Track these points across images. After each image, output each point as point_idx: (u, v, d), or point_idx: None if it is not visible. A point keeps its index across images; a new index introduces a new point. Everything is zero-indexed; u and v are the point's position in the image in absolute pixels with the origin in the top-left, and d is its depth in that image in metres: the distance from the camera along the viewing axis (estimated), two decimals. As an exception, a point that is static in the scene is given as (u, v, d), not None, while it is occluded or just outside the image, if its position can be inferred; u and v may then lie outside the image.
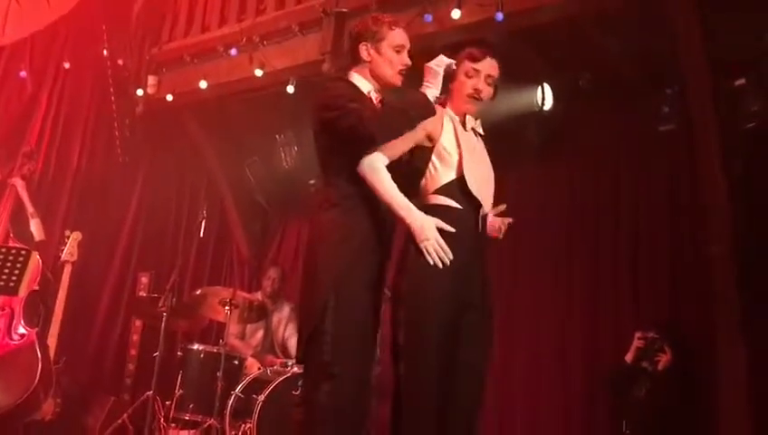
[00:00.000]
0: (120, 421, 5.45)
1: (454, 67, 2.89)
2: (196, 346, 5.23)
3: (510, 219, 2.99)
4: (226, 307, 5.08)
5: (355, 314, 2.70)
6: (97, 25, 6.40)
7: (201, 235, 5.48)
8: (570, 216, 5.32)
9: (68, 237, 5.37)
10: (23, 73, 6.21)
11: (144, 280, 6.54)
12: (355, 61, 2.94)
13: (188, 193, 7.09)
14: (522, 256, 5.28)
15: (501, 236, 2.99)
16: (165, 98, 6.15)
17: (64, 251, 5.31)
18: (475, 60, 2.91)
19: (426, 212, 2.74)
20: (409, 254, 2.72)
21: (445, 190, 2.81)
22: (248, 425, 4.63)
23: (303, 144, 6.18)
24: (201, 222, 5.37)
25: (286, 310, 5.89)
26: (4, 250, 4.03)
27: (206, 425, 4.87)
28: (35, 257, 4.85)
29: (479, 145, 2.97)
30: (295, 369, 4.77)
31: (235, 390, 4.86)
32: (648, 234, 4.97)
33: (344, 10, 5.04)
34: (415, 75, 2.93)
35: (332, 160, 2.84)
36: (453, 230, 2.70)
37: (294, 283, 5.95)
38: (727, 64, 4.16)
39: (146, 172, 6.77)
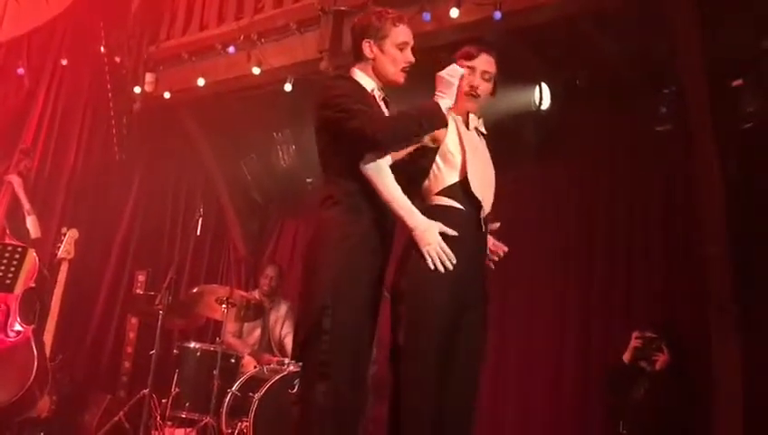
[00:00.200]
0: (116, 419, 5.43)
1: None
2: (192, 344, 5.23)
3: (497, 224, 2.99)
4: (223, 305, 5.08)
5: (354, 315, 2.69)
6: (95, 23, 6.40)
7: (198, 233, 5.49)
8: (565, 215, 5.32)
9: (64, 235, 5.35)
10: (20, 70, 6.21)
11: (141, 278, 6.53)
12: (358, 57, 2.89)
13: (185, 191, 7.08)
14: (517, 255, 5.26)
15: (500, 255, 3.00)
16: (162, 95, 6.14)
17: (61, 248, 5.29)
18: (469, 57, 2.92)
19: (428, 213, 2.75)
20: (411, 255, 2.71)
21: (448, 192, 2.81)
22: (245, 423, 4.63)
23: (301, 142, 6.17)
24: (198, 220, 5.37)
25: (283, 308, 5.89)
26: (0, 247, 4.03)
27: (202, 423, 4.86)
28: (32, 255, 4.85)
29: (481, 144, 2.97)
30: (292, 367, 4.77)
31: (231, 388, 4.87)
32: (644, 233, 4.97)
33: (342, 8, 5.03)
34: (415, 73, 2.90)
35: (335, 159, 2.81)
36: (455, 234, 2.70)
37: (292, 281, 5.96)
38: (725, 64, 4.16)
39: (143, 170, 6.76)
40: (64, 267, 5.26)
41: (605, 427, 4.63)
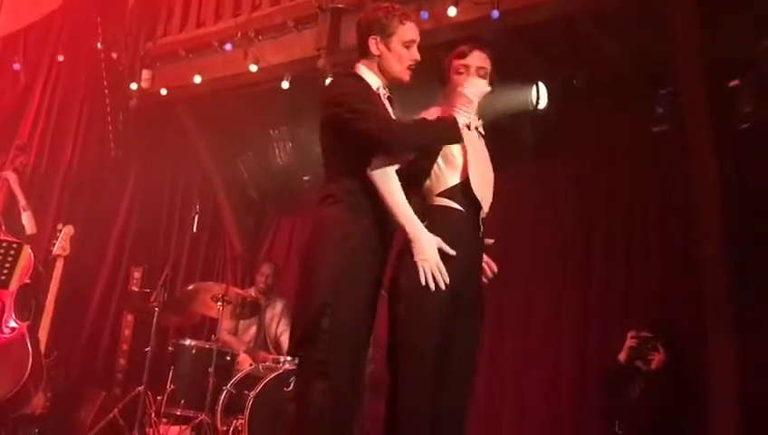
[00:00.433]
0: (110, 416, 5.43)
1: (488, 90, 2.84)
2: (187, 342, 5.22)
3: (492, 241, 2.97)
4: (219, 303, 5.08)
5: (354, 315, 2.68)
6: (91, 18, 6.38)
7: (194, 230, 5.48)
8: (563, 214, 5.32)
9: (60, 231, 5.34)
10: (16, 66, 6.19)
11: (136, 275, 6.52)
12: (363, 53, 2.85)
13: (181, 188, 7.06)
14: (514, 254, 5.28)
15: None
16: (159, 92, 6.13)
17: (56, 245, 5.28)
18: (462, 56, 2.91)
19: (428, 213, 2.75)
20: (409, 255, 2.69)
21: (448, 193, 2.80)
22: (240, 421, 4.62)
23: (297, 140, 6.17)
24: (194, 217, 5.36)
25: (279, 306, 5.88)
26: (-5, 243, 4.02)
27: (197, 420, 4.86)
28: (27, 251, 4.85)
29: (481, 145, 2.96)
30: (287, 365, 4.76)
31: (226, 385, 4.85)
32: (642, 233, 4.98)
33: (340, 6, 5.03)
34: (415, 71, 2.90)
35: (337, 157, 2.78)
36: (454, 253, 2.68)
37: (288, 279, 5.95)
38: (723, 65, 4.17)
39: (139, 167, 6.74)
40: (60, 264, 5.24)
41: (602, 426, 4.63)
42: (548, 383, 5.09)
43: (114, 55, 6.36)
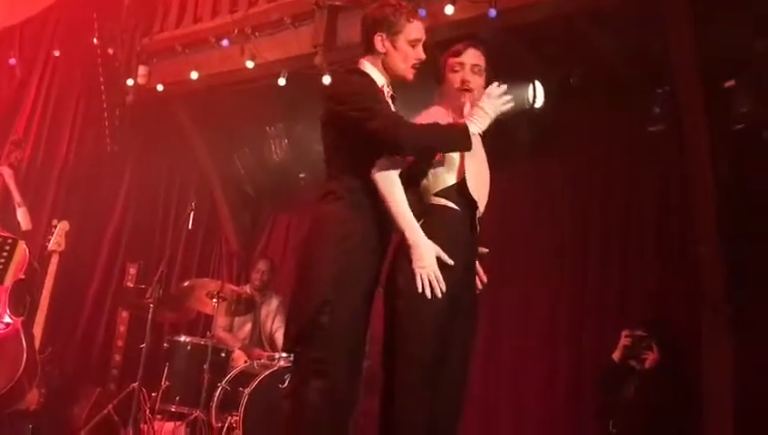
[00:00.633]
0: (105, 412, 5.41)
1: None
2: (183, 338, 5.21)
3: (486, 250, 2.97)
4: (214, 299, 5.07)
5: (353, 313, 2.67)
6: (88, 14, 6.36)
7: (190, 226, 5.48)
8: (559, 213, 5.32)
9: (55, 227, 5.32)
10: (12, 61, 6.17)
11: (132, 271, 6.49)
12: (368, 50, 2.84)
13: (177, 184, 7.05)
14: (511, 253, 5.28)
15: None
16: (155, 88, 6.11)
17: (51, 240, 5.26)
18: (457, 54, 2.91)
19: (425, 213, 2.74)
20: (407, 255, 2.69)
21: (445, 193, 2.80)
22: (234, 418, 4.62)
23: (294, 137, 6.17)
24: (190, 213, 5.36)
25: (275, 303, 5.88)
26: (-10, 239, 4.01)
27: (191, 417, 4.86)
28: (22, 246, 4.83)
29: (478, 144, 2.96)
30: (282, 362, 4.76)
31: (221, 382, 4.86)
32: (637, 233, 4.98)
33: (337, 3, 5.02)
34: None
35: (340, 155, 2.77)
36: (452, 263, 2.67)
37: (283, 275, 5.94)
38: (719, 65, 4.17)
39: (135, 162, 6.72)
40: (55, 259, 5.22)
41: (598, 426, 4.63)
42: (544, 382, 5.09)
43: (110, 51, 6.34)
